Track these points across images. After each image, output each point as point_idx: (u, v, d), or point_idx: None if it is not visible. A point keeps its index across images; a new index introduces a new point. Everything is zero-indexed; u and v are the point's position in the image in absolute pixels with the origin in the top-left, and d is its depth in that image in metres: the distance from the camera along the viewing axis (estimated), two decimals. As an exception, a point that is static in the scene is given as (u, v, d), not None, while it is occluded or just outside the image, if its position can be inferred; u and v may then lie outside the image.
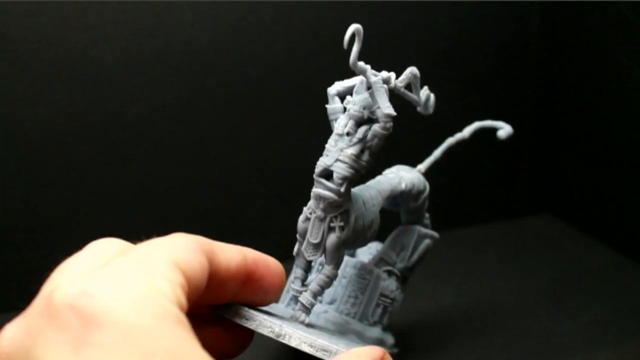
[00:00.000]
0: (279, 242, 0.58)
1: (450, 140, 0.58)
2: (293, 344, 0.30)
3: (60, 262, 0.60)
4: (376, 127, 0.42)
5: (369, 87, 0.42)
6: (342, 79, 0.68)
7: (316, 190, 0.42)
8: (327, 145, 0.42)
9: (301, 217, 0.43)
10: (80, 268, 0.24)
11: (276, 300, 0.43)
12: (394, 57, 0.75)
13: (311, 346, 0.31)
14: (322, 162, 0.42)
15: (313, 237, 0.42)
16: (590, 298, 0.66)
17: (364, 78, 0.42)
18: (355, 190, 0.45)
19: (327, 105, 0.44)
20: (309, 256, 0.43)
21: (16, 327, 0.23)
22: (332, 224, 0.42)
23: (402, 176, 0.52)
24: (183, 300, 0.23)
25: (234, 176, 0.73)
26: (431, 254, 0.76)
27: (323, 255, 0.43)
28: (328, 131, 0.43)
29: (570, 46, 0.78)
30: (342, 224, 0.42)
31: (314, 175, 0.42)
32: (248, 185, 0.74)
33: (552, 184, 0.84)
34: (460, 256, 0.76)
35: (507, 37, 0.79)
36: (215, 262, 0.27)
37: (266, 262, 0.30)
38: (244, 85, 0.71)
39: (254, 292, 0.30)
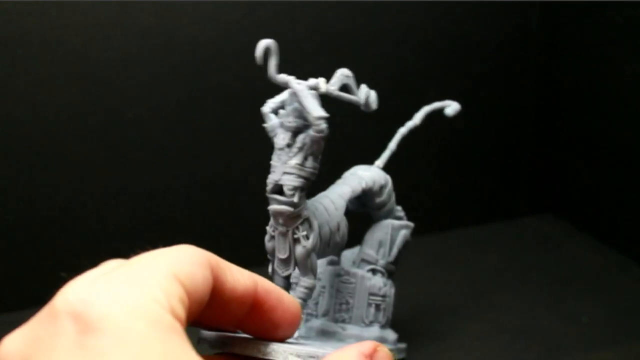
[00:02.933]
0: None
1: (402, 131, 0.58)
2: (280, 358, 0.31)
3: (60, 262, 0.60)
4: (311, 132, 0.43)
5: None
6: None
7: (272, 207, 0.43)
8: (271, 162, 0.43)
9: (266, 237, 0.45)
10: (85, 278, 0.25)
11: None
12: (394, 58, 0.75)
13: (298, 356, 0.31)
14: (270, 179, 0.43)
15: (281, 253, 0.44)
16: (590, 298, 0.66)
17: (292, 89, 0.43)
18: (313, 199, 0.46)
19: (264, 125, 0.45)
20: (282, 272, 0.44)
21: (18, 335, 0.23)
22: (295, 236, 0.43)
23: (360, 175, 0.52)
24: (180, 312, 0.23)
25: (234, 176, 0.73)
26: (431, 254, 0.76)
27: (296, 269, 0.44)
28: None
29: (570, 46, 0.78)
30: (304, 233, 0.43)
31: (267, 194, 0.43)
32: (248, 185, 0.74)
33: (553, 184, 0.84)
34: (460, 256, 0.76)
35: (507, 37, 0.79)
36: (221, 280, 0.27)
37: (280, 296, 0.30)
38: (244, 85, 0.71)
39: (262, 323, 0.29)
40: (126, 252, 0.76)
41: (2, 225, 0.67)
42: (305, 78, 0.47)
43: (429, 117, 0.79)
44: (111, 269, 0.26)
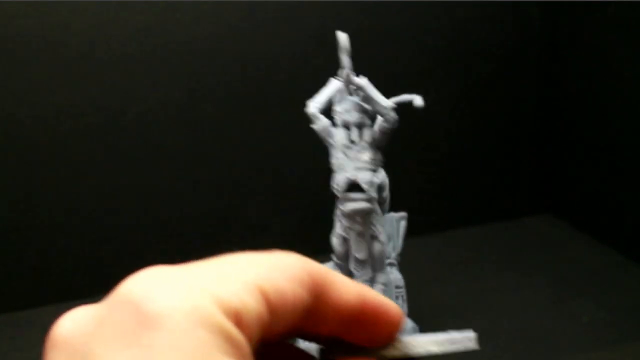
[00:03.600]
0: (279, 241, 0.58)
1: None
2: (421, 350, 0.29)
3: (60, 262, 0.60)
4: (381, 123, 0.42)
5: (349, 93, 0.43)
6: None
7: (349, 206, 0.41)
8: (335, 162, 0.41)
9: (336, 242, 0.42)
10: (161, 270, 0.23)
11: None
12: (395, 58, 0.75)
13: (438, 344, 0.30)
14: (342, 178, 0.41)
15: (360, 254, 0.42)
16: (590, 298, 0.66)
17: (340, 86, 0.42)
18: None
19: (313, 126, 0.43)
20: (362, 275, 0.42)
21: (79, 315, 0.22)
22: (372, 233, 0.42)
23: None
24: (252, 326, 0.21)
25: (234, 175, 0.73)
26: (431, 254, 0.76)
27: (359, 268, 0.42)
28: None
29: (571, 48, 0.78)
30: (381, 228, 0.42)
31: (339, 194, 0.41)
32: (248, 184, 0.74)
33: (553, 184, 0.84)
34: (460, 256, 0.76)
35: (507, 38, 0.79)
36: (323, 300, 0.24)
37: (387, 310, 0.27)
38: (244, 85, 0.71)
39: (364, 333, 0.26)
40: (126, 251, 0.76)
41: (2, 225, 0.67)
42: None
43: (429, 117, 0.79)
44: (194, 264, 0.23)
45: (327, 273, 0.24)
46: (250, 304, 0.21)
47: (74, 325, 0.21)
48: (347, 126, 0.42)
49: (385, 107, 0.41)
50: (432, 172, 0.81)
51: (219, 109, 0.71)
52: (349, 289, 0.25)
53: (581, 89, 0.78)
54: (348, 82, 0.41)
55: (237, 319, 0.20)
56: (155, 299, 0.20)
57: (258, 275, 0.21)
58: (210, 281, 0.21)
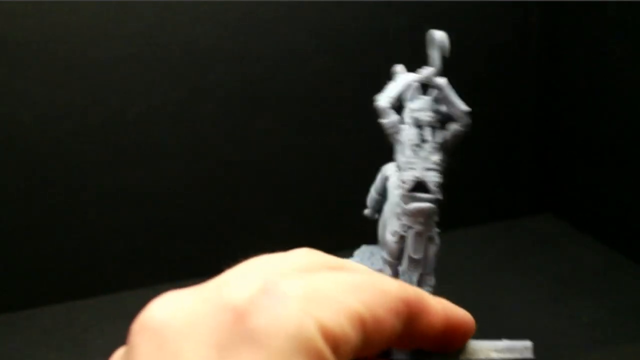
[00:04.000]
0: (279, 241, 0.57)
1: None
2: (482, 356, 0.29)
3: (59, 262, 0.60)
4: (456, 126, 0.42)
5: (424, 91, 0.42)
6: (342, 78, 0.68)
7: (414, 205, 0.41)
8: (403, 159, 0.41)
9: (393, 239, 0.42)
10: (269, 271, 0.22)
11: None
12: (394, 58, 0.75)
13: (497, 351, 0.30)
14: (410, 176, 0.41)
15: (416, 254, 0.42)
16: (590, 298, 0.66)
17: (414, 83, 0.42)
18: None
19: (383, 121, 0.42)
20: (414, 275, 0.42)
21: (176, 302, 0.21)
22: (430, 234, 0.42)
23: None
24: (345, 357, 0.20)
25: (234, 175, 0.73)
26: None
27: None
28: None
29: (570, 47, 0.78)
30: (438, 230, 0.42)
31: (405, 192, 0.40)
32: (248, 184, 0.74)
33: (553, 184, 0.84)
34: (460, 256, 0.76)
35: (507, 38, 0.79)
36: (413, 326, 0.23)
37: (465, 322, 0.27)
38: (244, 85, 0.71)
39: (434, 346, 0.26)
40: (126, 251, 0.76)
41: (2, 225, 0.67)
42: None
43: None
44: (297, 276, 0.22)
45: (421, 300, 0.23)
46: (350, 335, 0.20)
47: (166, 315, 0.20)
48: (418, 125, 0.42)
49: (462, 111, 0.41)
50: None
51: (219, 109, 0.71)
52: (438, 313, 0.24)
53: (581, 89, 0.78)
54: (429, 81, 0.41)
55: (335, 347, 0.20)
56: (261, 314, 0.19)
57: (360, 303, 0.21)
58: (316, 304, 0.20)
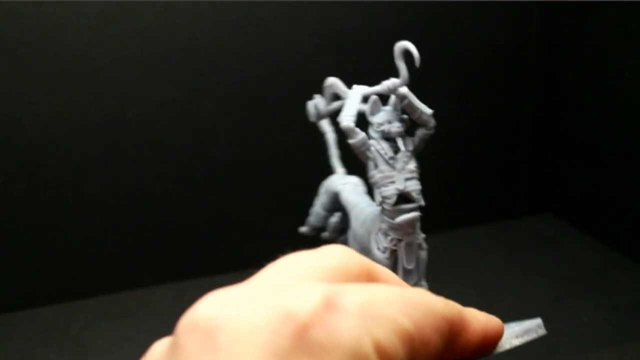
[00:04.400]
0: (279, 241, 0.58)
1: (331, 136, 0.57)
2: (507, 346, 0.30)
3: (59, 262, 0.59)
4: (424, 130, 0.41)
5: (384, 103, 0.42)
6: (342, 78, 0.67)
7: (403, 218, 0.40)
8: (380, 175, 0.40)
9: (383, 256, 0.41)
10: (320, 276, 0.22)
11: None
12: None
13: (517, 337, 0.30)
14: (391, 191, 0.40)
15: (410, 264, 0.42)
16: (590, 298, 0.66)
17: (374, 97, 0.42)
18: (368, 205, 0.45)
19: (351, 141, 0.41)
20: (411, 285, 0.42)
21: (229, 303, 0.20)
22: (418, 241, 0.42)
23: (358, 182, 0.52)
24: None
25: (234, 175, 0.73)
26: (431, 254, 0.76)
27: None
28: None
29: (570, 47, 0.78)
30: (424, 235, 0.42)
31: (389, 207, 0.40)
32: (249, 184, 0.74)
33: (553, 184, 0.84)
34: (460, 256, 0.76)
35: (507, 38, 0.79)
36: (452, 344, 0.23)
37: (497, 330, 0.27)
38: (244, 85, 0.71)
39: (466, 357, 0.26)
40: (126, 251, 0.76)
41: (2, 225, 0.67)
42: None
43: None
44: (341, 273, 0.21)
45: (462, 317, 0.24)
46: (400, 354, 0.20)
47: (219, 316, 0.19)
48: (387, 138, 0.41)
49: (429, 115, 0.41)
50: (432, 172, 0.81)
51: (219, 109, 0.71)
52: (476, 330, 0.25)
53: (581, 89, 0.78)
54: (393, 92, 0.41)
55: None
56: (322, 329, 0.19)
57: (411, 322, 0.21)
58: (372, 321, 0.20)
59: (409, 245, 0.42)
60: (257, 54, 0.70)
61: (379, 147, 0.41)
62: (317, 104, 0.51)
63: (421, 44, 0.77)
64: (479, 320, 0.25)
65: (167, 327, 0.72)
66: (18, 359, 0.60)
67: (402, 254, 0.41)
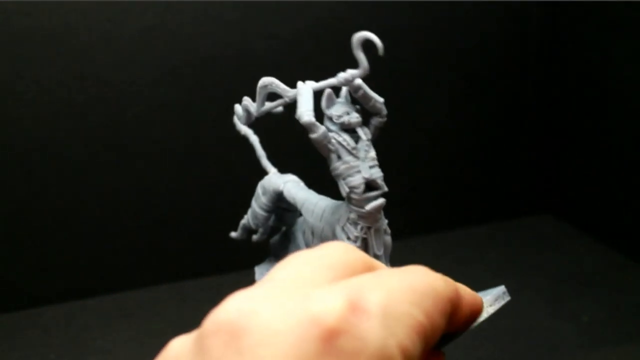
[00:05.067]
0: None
1: (254, 138, 0.57)
2: (484, 315, 0.30)
3: (60, 261, 0.59)
4: (378, 119, 0.42)
5: (335, 94, 0.42)
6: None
7: (373, 205, 0.41)
8: (344, 166, 0.41)
9: (356, 244, 0.42)
10: (335, 275, 0.22)
11: None
12: (395, 58, 0.75)
13: (490, 305, 0.31)
14: (357, 181, 0.41)
15: (380, 249, 0.42)
16: (590, 298, 0.66)
17: (328, 90, 0.42)
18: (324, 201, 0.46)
19: (313, 136, 0.41)
20: None
21: (260, 305, 0.20)
22: (385, 228, 0.42)
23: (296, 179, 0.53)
24: None
25: (234, 175, 0.73)
26: (431, 254, 0.76)
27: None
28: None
29: (570, 46, 0.78)
30: (387, 221, 0.42)
31: (358, 196, 0.40)
32: (249, 184, 0.74)
33: (553, 184, 0.84)
34: (460, 256, 0.76)
35: (507, 38, 0.79)
36: (451, 320, 0.24)
37: (479, 302, 0.28)
38: (243, 85, 0.71)
39: (455, 329, 0.26)
40: (126, 251, 0.76)
41: (2, 225, 0.67)
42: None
43: (429, 117, 0.79)
44: (338, 276, 0.22)
45: (458, 294, 0.24)
46: (418, 348, 0.21)
47: (245, 319, 0.19)
48: (346, 129, 0.42)
49: (381, 103, 0.41)
50: (432, 172, 0.81)
51: (219, 108, 0.71)
52: (467, 303, 0.25)
53: (581, 89, 0.78)
54: (348, 84, 0.41)
55: None
56: (349, 334, 0.19)
57: (424, 315, 0.21)
58: (394, 321, 0.20)
59: (377, 232, 0.42)
60: (257, 54, 0.70)
61: (340, 139, 0.41)
62: (247, 106, 0.51)
63: (421, 44, 0.78)
64: (468, 293, 0.26)
65: (167, 327, 0.72)
66: (18, 359, 0.61)
67: (372, 241, 0.42)
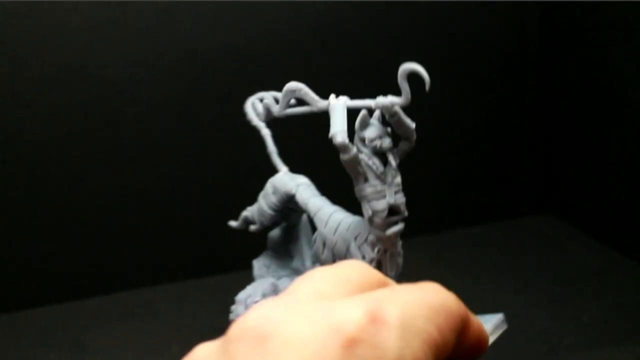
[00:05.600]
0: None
1: (267, 132, 0.57)
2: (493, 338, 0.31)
3: (59, 262, 0.59)
4: (407, 144, 0.42)
5: (369, 117, 0.42)
6: (343, 77, 0.68)
7: (393, 230, 0.42)
8: (370, 189, 0.41)
9: (372, 265, 0.42)
10: (354, 289, 0.23)
11: None
12: (394, 58, 0.75)
13: (491, 335, 0.32)
14: (383, 205, 0.41)
15: (391, 271, 0.43)
16: (590, 298, 0.66)
17: (364, 112, 0.41)
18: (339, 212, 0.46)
19: (345, 157, 0.41)
20: None
21: (285, 314, 0.21)
22: (400, 251, 0.43)
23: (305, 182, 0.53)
24: None
25: (234, 175, 0.73)
26: (431, 254, 0.76)
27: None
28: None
29: (570, 46, 0.78)
30: (401, 241, 0.43)
31: (381, 220, 0.41)
32: (249, 184, 0.74)
33: (553, 184, 0.84)
34: (460, 256, 0.76)
35: (507, 38, 0.79)
36: (461, 340, 0.24)
37: (484, 329, 0.28)
38: (243, 85, 0.71)
39: (462, 356, 0.27)
40: (126, 251, 0.76)
41: (2, 225, 0.67)
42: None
43: (429, 117, 0.79)
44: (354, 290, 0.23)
45: (468, 315, 0.25)
46: None
47: (271, 326, 0.20)
48: (376, 152, 0.42)
49: (412, 130, 0.41)
50: (431, 172, 0.81)
51: (220, 108, 0.71)
52: (475, 328, 0.26)
53: (581, 89, 0.78)
54: (387, 109, 0.41)
55: None
56: (369, 343, 0.20)
57: (437, 330, 0.22)
58: (410, 333, 0.21)
59: (392, 255, 0.42)
60: (257, 54, 0.70)
61: (369, 162, 0.41)
62: (269, 105, 0.50)
63: (421, 44, 0.78)
64: (476, 319, 0.26)
65: (167, 327, 0.72)
66: (18, 359, 0.60)
67: (386, 263, 0.42)
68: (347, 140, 0.40)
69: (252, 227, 0.55)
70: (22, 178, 0.66)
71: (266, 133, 0.56)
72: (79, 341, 0.62)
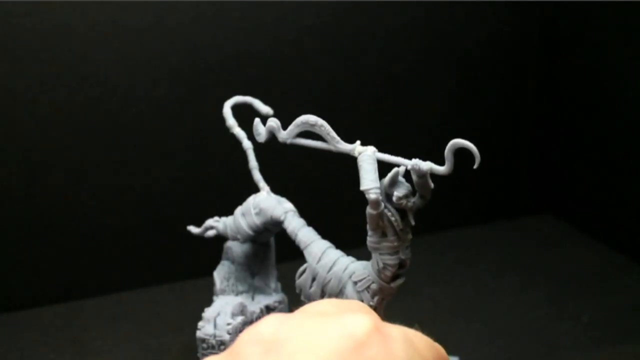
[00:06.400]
0: (280, 241, 0.58)
1: (248, 144, 0.57)
2: None
3: (59, 262, 0.59)
4: (422, 202, 0.42)
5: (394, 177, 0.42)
6: (342, 77, 0.68)
7: (398, 283, 0.43)
8: (386, 244, 0.42)
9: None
10: (355, 309, 0.25)
11: None
12: (395, 58, 0.75)
13: None
14: (395, 260, 0.42)
15: (381, 316, 0.45)
16: (590, 298, 0.66)
17: (398, 170, 0.41)
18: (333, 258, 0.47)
19: (373, 212, 0.42)
20: None
21: (297, 322, 0.23)
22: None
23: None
24: None
25: (234, 175, 0.73)
26: (431, 254, 0.76)
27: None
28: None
29: (570, 47, 0.78)
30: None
31: (391, 274, 0.42)
32: (249, 184, 0.74)
33: (553, 184, 0.84)
34: (460, 256, 0.76)
35: (507, 38, 0.79)
36: None
37: None
38: (243, 85, 0.71)
39: None
40: (126, 251, 0.76)
41: (2, 225, 0.67)
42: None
43: (429, 117, 0.79)
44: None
45: (446, 357, 0.27)
46: None
47: (282, 332, 0.21)
48: (399, 209, 0.42)
49: (431, 190, 0.42)
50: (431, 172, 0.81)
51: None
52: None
53: (581, 89, 0.78)
54: (419, 172, 0.41)
55: None
56: (378, 348, 0.21)
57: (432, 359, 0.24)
58: (413, 349, 0.23)
59: (387, 303, 0.44)
60: (257, 54, 0.70)
61: (392, 218, 0.41)
62: (274, 128, 0.47)
63: (421, 44, 0.78)
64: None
65: (167, 327, 0.72)
66: (18, 359, 0.61)
67: (381, 311, 0.44)
68: (380, 198, 0.40)
69: (209, 233, 0.56)
70: (22, 178, 0.66)
71: (248, 146, 0.55)
72: (79, 341, 0.62)
